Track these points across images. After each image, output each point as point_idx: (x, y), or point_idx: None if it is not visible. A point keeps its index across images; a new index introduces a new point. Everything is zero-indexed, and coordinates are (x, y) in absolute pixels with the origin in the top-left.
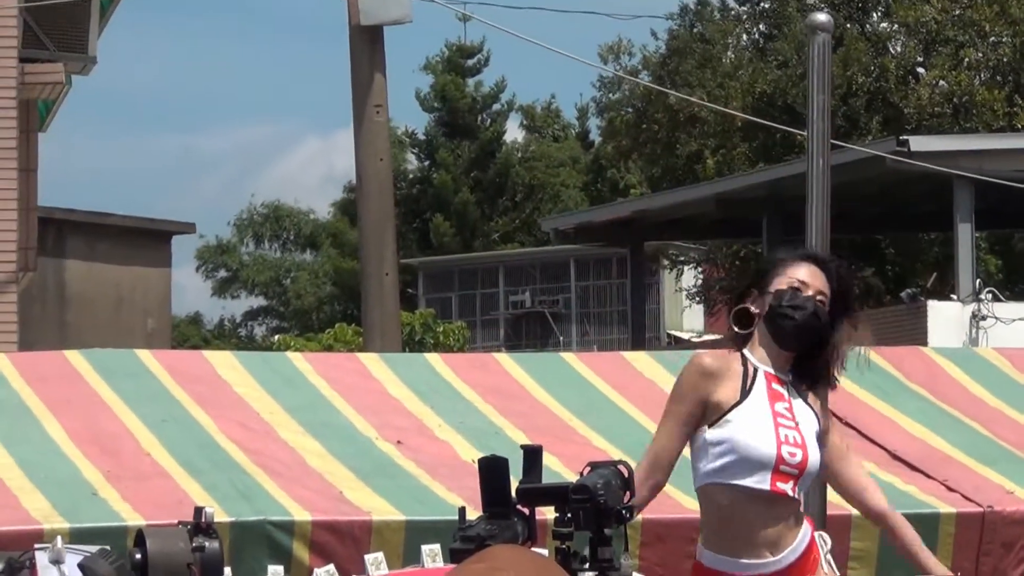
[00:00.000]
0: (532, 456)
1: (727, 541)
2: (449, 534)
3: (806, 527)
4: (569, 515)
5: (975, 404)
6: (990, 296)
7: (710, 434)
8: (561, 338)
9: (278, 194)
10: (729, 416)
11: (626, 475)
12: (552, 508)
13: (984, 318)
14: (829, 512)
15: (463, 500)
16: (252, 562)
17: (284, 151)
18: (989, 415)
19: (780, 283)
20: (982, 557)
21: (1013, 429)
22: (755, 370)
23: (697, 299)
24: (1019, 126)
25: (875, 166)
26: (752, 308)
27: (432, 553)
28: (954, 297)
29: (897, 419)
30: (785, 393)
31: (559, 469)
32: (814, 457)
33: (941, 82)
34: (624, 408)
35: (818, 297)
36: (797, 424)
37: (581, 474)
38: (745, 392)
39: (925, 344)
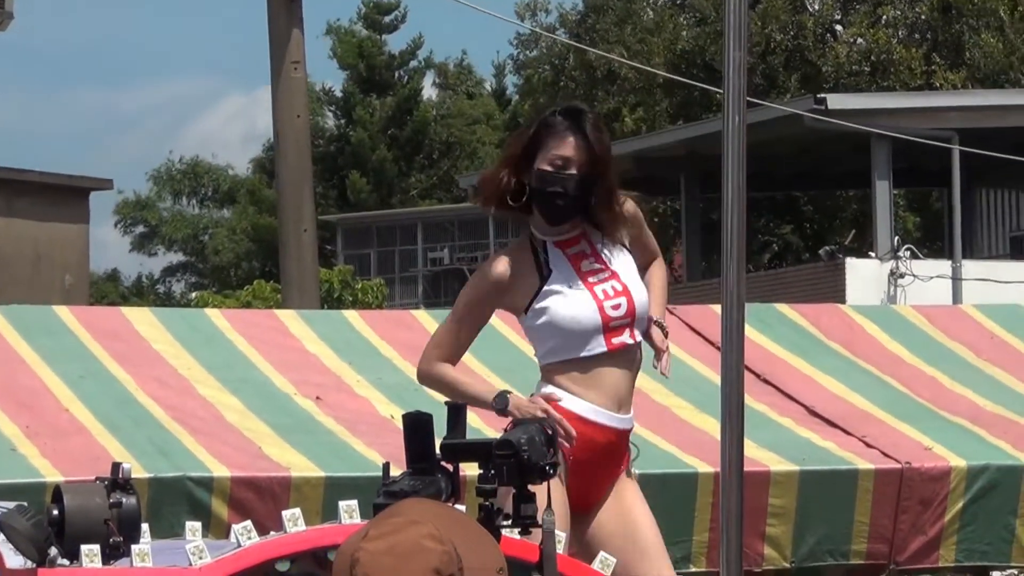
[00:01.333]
0: (456, 412)
1: (586, 392)
2: (369, 490)
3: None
4: (492, 471)
5: (893, 361)
6: (908, 253)
7: (530, 321)
8: None
9: (201, 151)
10: (540, 299)
11: (550, 432)
12: (476, 465)
13: (902, 275)
14: (747, 468)
15: (382, 456)
16: (171, 518)
17: (207, 108)
18: (907, 372)
19: (543, 160)
20: (900, 514)
21: (930, 386)
22: (543, 245)
23: None
24: (937, 84)
25: (793, 124)
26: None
27: (349, 509)
28: (872, 255)
29: (815, 376)
30: (587, 249)
31: (478, 425)
32: (640, 297)
33: (859, 40)
34: None
35: (578, 162)
36: (612, 271)
37: (505, 431)
38: (546, 273)
39: (843, 301)
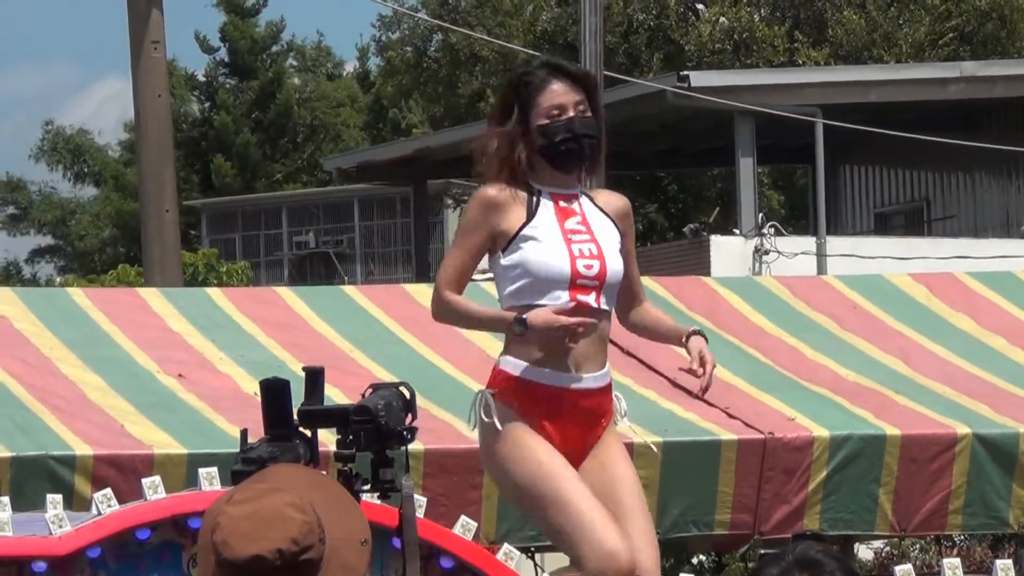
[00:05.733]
0: (314, 378)
1: (538, 355)
2: (231, 466)
3: (609, 368)
4: (351, 437)
5: (755, 332)
6: (772, 230)
7: (504, 260)
8: (346, 279)
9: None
10: (518, 240)
11: (408, 397)
12: (335, 433)
13: (767, 252)
14: None
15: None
16: (33, 497)
17: (84, 91)
18: (769, 343)
19: (539, 116)
20: (764, 484)
21: (792, 357)
22: (539, 193)
23: None
24: (800, 61)
25: (656, 102)
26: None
27: (209, 476)
28: (736, 232)
29: (678, 348)
30: (576, 208)
31: (341, 400)
32: (613, 266)
33: (722, 19)
34: (405, 339)
35: (579, 108)
36: (593, 236)
37: (363, 396)
38: (531, 214)
39: None
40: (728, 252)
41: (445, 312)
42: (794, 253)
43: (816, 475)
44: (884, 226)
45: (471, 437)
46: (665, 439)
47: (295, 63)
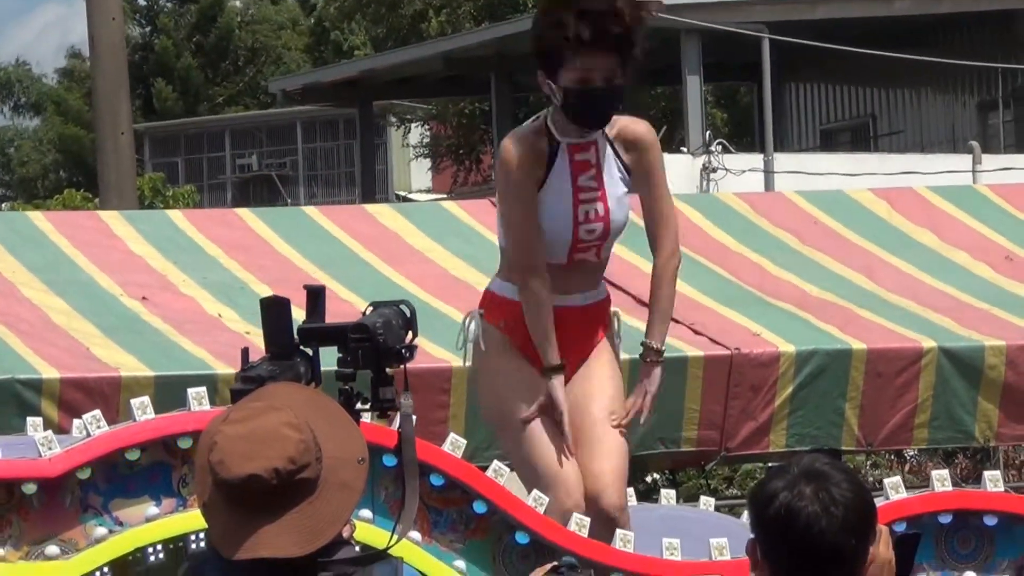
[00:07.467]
0: (315, 296)
1: None
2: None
3: (604, 287)
4: (349, 356)
5: (718, 249)
6: (720, 148)
7: None
8: (289, 201)
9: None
10: (538, 196)
11: (408, 314)
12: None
13: (715, 170)
14: None
15: (211, 355)
16: (0, 420)
17: (23, 17)
18: (732, 260)
19: (567, 76)
20: (730, 400)
21: (755, 273)
22: (557, 145)
23: (425, 154)
24: None
25: None
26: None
27: (199, 396)
28: (684, 150)
29: (640, 265)
30: (592, 159)
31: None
32: (617, 224)
33: None
34: (368, 260)
35: (606, 75)
36: (604, 192)
37: (363, 313)
38: (547, 171)
39: None
40: (676, 170)
41: (529, 303)
42: (742, 170)
43: (783, 391)
44: (830, 142)
45: (436, 356)
46: (630, 356)
47: None
